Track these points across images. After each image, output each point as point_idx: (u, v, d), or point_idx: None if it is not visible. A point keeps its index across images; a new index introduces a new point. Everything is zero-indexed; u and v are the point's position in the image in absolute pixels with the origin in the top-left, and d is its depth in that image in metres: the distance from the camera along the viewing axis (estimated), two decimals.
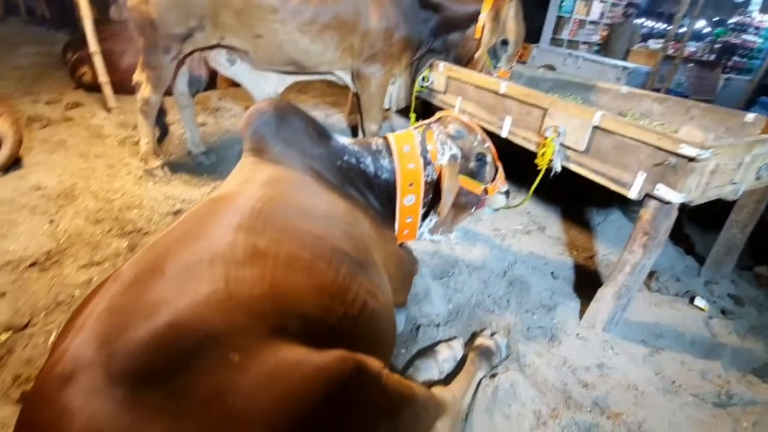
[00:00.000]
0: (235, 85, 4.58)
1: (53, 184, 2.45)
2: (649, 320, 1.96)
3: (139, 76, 2.51)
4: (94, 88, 3.94)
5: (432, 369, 1.59)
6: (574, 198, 3.00)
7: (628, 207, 2.98)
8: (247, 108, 4.06)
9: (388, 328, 1.29)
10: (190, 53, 2.49)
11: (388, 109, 3.08)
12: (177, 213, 2.36)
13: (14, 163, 2.56)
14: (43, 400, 0.76)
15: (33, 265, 1.85)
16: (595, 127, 1.75)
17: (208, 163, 3.01)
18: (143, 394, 0.74)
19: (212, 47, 2.50)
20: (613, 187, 1.74)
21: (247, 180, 1.36)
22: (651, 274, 2.24)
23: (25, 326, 1.56)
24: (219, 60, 2.59)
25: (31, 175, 2.52)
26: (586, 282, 2.16)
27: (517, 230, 2.63)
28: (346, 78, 2.75)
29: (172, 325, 0.82)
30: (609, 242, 2.63)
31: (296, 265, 1.07)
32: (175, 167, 2.84)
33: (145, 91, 2.50)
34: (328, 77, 2.79)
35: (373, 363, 0.97)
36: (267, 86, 2.71)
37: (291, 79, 2.78)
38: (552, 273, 2.25)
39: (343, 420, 0.86)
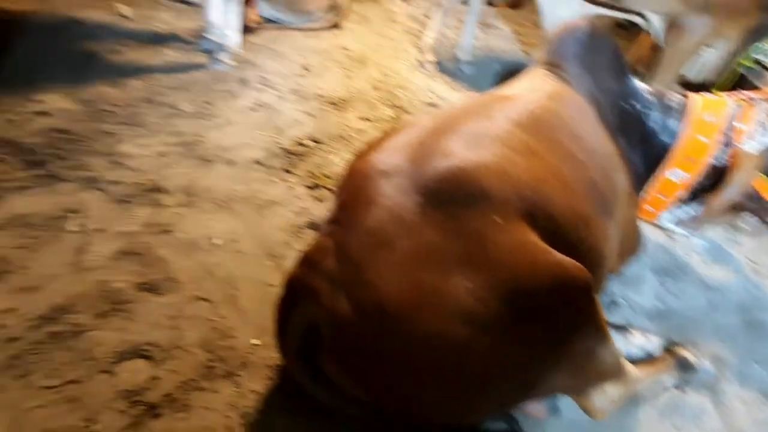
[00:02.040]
0: (512, 6, 4.51)
1: (354, 49, 2.99)
2: None
3: None
4: None
5: (618, 343, 1.54)
6: None
7: None
8: (516, 31, 4.02)
9: (601, 277, 1.28)
10: None
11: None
12: (431, 105, 2.64)
13: (336, 25, 3.20)
14: (365, 177, 1.05)
15: (331, 103, 2.40)
16: None
17: (468, 72, 3.16)
18: (432, 207, 0.97)
19: None
20: None
21: (534, 89, 1.42)
22: None
23: (318, 142, 2.10)
24: None
25: (342, 36, 3.12)
26: None
27: None
28: (657, 24, 2.38)
29: (463, 170, 1.00)
30: None
31: (556, 174, 1.13)
32: (441, 66, 3.10)
33: None
34: (635, 18, 2.47)
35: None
36: (563, 11, 2.58)
37: (593, 10, 2.57)
38: None
39: (557, 316, 0.96)
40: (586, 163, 1.24)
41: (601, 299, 1.68)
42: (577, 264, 0.96)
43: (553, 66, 1.48)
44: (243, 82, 2.36)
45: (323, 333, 0.93)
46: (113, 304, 1.26)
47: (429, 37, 2.95)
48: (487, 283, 0.91)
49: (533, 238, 0.98)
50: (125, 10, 2.65)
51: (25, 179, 1.58)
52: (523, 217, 1.00)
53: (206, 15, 2.51)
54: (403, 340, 0.90)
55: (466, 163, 1.01)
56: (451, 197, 0.97)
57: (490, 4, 3.22)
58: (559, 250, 0.98)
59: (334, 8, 3.08)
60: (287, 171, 1.88)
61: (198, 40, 2.55)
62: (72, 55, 2.24)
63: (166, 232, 1.51)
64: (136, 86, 2.16)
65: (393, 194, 0.99)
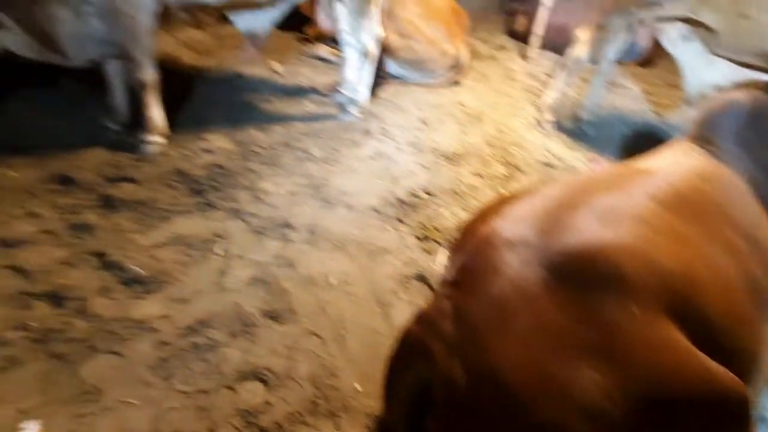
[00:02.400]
0: (643, 64, 4.26)
1: (471, 105, 3.09)
2: None
3: (582, 33, 2.67)
4: (520, 37, 4.50)
5: None
6: None
7: None
8: (646, 90, 3.77)
9: (756, 391, 1.08)
10: (645, 21, 2.42)
11: None
12: (549, 166, 2.57)
13: (456, 82, 3.35)
14: (488, 244, 1.05)
15: (446, 157, 2.49)
16: None
17: (589, 132, 3.04)
18: (559, 285, 0.92)
19: (673, 19, 2.34)
20: None
21: (679, 164, 1.31)
22: None
23: (431, 195, 2.18)
24: (671, 34, 2.42)
25: (461, 93, 3.25)
26: None
27: None
28: None
29: (597, 248, 0.95)
30: None
31: (709, 264, 1.01)
32: (559, 126, 3.03)
33: (580, 49, 2.67)
34: None
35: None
36: (708, 75, 2.38)
37: (742, 75, 2.32)
38: None
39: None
40: (745, 254, 1.09)
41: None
42: (732, 375, 0.83)
43: (702, 140, 1.36)
44: (366, 132, 2.58)
45: (435, 396, 0.93)
46: (243, 326, 1.41)
47: (549, 96, 2.93)
48: (619, 381, 0.83)
49: (678, 336, 0.88)
50: (277, 66, 3.12)
51: (188, 205, 1.90)
52: (668, 311, 0.90)
53: (343, 72, 2.84)
54: (517, 422, 0.85)
55: (601, 242, 0.96)
56: (582, 278, 0.92)
57: (618, 62, 3.10)
58: (709, 356, 0.86)
59: (455, 67, 3.24)
60: (400, 220, 1.97)
61: (332, 94, 2.88)
62: (234, 102, 2.68)
63: (291, 265, 1.67)
64: (278, 131, 2.49)
65: (517, 266, 0.97)
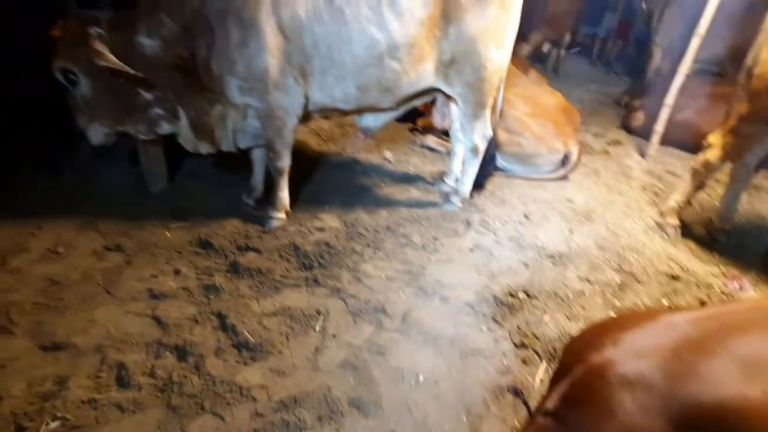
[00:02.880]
0: None
1: (580, 202, 2.97)
2: None
3: (715, 138, 2.47)
4: (637, 132, 4.31)
5: None
6: None
7: None
8: None
9: None
10: None
11: None
12: (674, 278, 2.28)
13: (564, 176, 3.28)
14: (601, 379, 0.95)
15: (549, 256, 2.38)
16: None
17: (724, 242, 2.67)
18: None
19: None
20: None
21: None
22: None
23: (531, 296, 2.07)
24: None
25: (569, 188, 3.16)
26: None
27: None
28: None
29: (736, 408, 0.81)
30: None
31: None
32: (686, 232, 2.73)
33: (712, 154, 2.45)
34: None
35: None
36: None
37: None
38: None
39: None
40: None
41: None
42: None
43: None
44: (467, 223, 2.62)
45: None
46: (330, 412, 1.44)
47: (674, 197, 2.69)
48: None
49: None
50: (388, 154, 3.43)
51: (297, 278, 2.08)
52: None
53: (450, 164, 3.00)
54: None
55: (742, 400, 0.82)
56: None
57: (760, 166, 2.74)
58: None
59: (564, 163, 3.20)
60: (496, 321, 1.90)
61: (437, 182, 3.03)
62: (348, 185, 2.97)
63: (382, 353, 1.69)
64: (383, 215, 2.66)
65: (635, 411, 0.86)
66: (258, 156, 2.55)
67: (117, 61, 1.84)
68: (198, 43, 1.96)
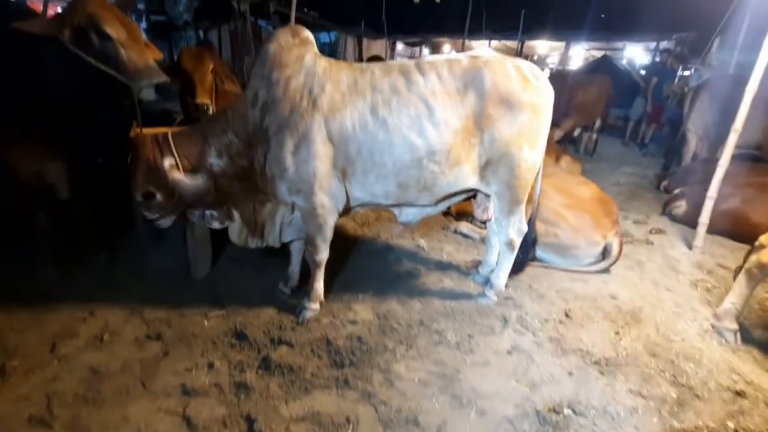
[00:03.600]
0: None
1: (625, 299, 2.82)
2: None
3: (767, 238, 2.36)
4: (680, 220, 4.17)
5: None
6: None
7: None
8: None
9: None
10: None
11: None
12: (738, 394, 2.05)
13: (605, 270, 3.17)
14: None
15: (595, 363, 2.22)
16: None
17: None
18: None
19: None
20: None
21: None
22: None
23: (577, 413, 1.90)
24: None
25: (611, 282, 3.03)
26: None
27: None
28: None
29: None
30: None
31: None
32: (749, 337, 2.50)
33: (766, 256, 2.32)
34: None
35: None
36: None
37: None
38: None
39: None
40: None
41: None
42: None
43: None
44: (503, 320, 2.53)
45: None
46: None
47: (730, 299, 2.50)
48: None
49: None
50: (422, 242, 3.46)
51: (328, 378, 2.04)
52: None
53: (486, 255, 2.98)
54: None
55: None
56: None
57: None
58: None
59: (603, 255, 3.11)
60: None
61: (472, 273, 3.00)
62: (381, 274, 2.99)
63: None
64: (416, 308, 2.63)
65: None
66: (296, 247, 2.65)
67: (189, 183, 2.13)
68: (257, 152, 2.17)
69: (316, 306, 2.50)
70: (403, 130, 2.11)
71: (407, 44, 15.94)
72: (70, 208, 2.72)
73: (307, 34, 2.19)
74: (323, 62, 2.15)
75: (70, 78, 2.18)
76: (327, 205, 2.24)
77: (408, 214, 2.57)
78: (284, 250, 2.72)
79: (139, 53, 2.25)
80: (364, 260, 3.18)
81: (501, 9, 10.20)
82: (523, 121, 2.24)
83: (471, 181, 2.33)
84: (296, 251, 2.67)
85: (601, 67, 10.54)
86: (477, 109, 2.17)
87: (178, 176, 2.13)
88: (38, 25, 2.07)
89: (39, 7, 2.68)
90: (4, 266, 2.74)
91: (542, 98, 2.29)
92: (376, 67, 2.20)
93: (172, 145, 2.14)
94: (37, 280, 2.61)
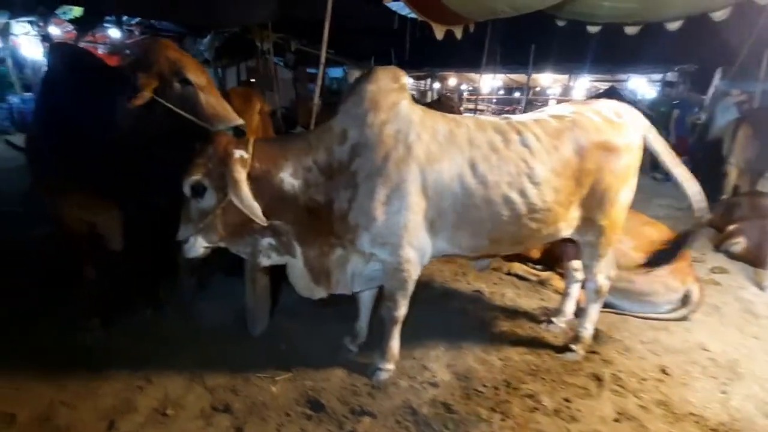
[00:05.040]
0: None
1: (717, 350, 2.61)
2: None
3: None
4: (740, 258, 4.00)
5: None
6: None
7: None
8: None
9: None
10: None
11: None
12: None
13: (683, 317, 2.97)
14: None
15: (712, 430, 1.99)
16: None
17: None
18: None
19: None
20: None
21: None
22: None
23: None
24: None
25: (695, 331, 2.81)
26: None
27: None
28: None
29: None
30: None
31: None
32: None
33: None
34: None
35: None
36: None
37: None
38: None
39: None
40: None
41: None
42: None
43: None
44: (596, 379, 2.31)
45: None
46: None
47: None
48: None
49: None
50: (483, 288, 3.27)
51: None
52: None
53: (563, 305, 2.78)
54: None
55: None
56: None
57: None
58: None
59: (683, 301, 2.91)
60: None
61: (546, 323, 2.79)
62: (447, 323, 2.78)
63: None
64: (496, 365, 2.41)
65: None
66: (366, 300, 2.45)
67: (247, 192, 1.83)
68: (339, 194, 1.98)
69: (391, 366, 2.28)
70: (503, 187, 1.99)
71: (415, 78, 16.24)
72: (119, 259, 2.55)
73: (406, 79, 2.07)
74: (418, 110, 2.03)
75: (142, 124, 2.04)
76: (413, 260, 2.06)
77: (485, 260, 2.39)
78: (337, 299, 2.48)
79: (216, 97, 2.17)
80: (424, 309, 2.95)
81: (509, 45, 10.40)
82: (620, 165, 2.14)
83: (566, 232, 2.19)
84: (365, 304, 2.47)
85: (608, 98, 10.68)
86: (575, 166, 2.09)
87: (242, 174, 1.83)
88: (144, 95, 1.94)
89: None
90: (48, 325, 2.54)
91: (632, 134, 2.22)
92: (469, 120, 2.11)
93: (251, 143, 1.94)
94: (83, 332, 2.41)
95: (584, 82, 16.00)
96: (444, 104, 7.10)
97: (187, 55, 2.17)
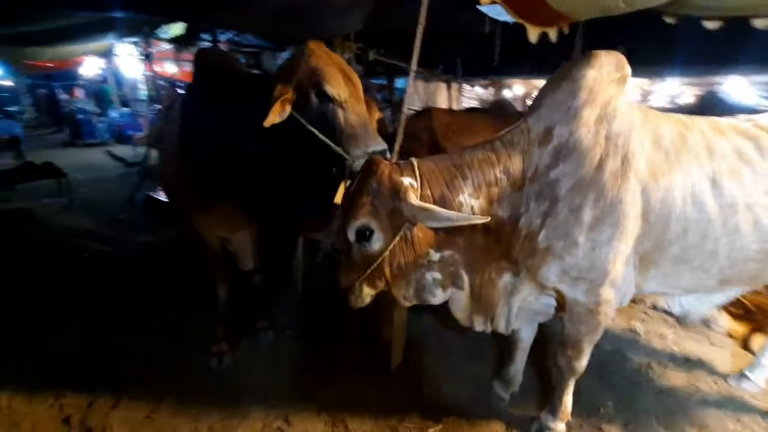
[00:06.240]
0: None
1: None
2: None
3: None
4: None
5: None
6: None
7: None
8: None
9: None
10: None
11: None
12: None
13: None
14: None
15: None
16: None
17: None
18: None
19: None
20: None
21: None
22: None
23: None
24: None
25: None
26: None
27: None
28: None
29: None
30: None
31: None
32: None
33: None
34: None
35: None
36: None
37: None
38: None
39: None
40: None
41: None
42: None
43: None
44: None
45: None
46: None
47: None
48: None
49: None
50: (638, 326, 2.78)
51: None
52: None
53: (760, 354, 2.25)
54: None
55: None
56: None
57: None
58: None
59: None
60: None
61: (733, 378, 2.26)
62: (606, 371, 2.34)
63: None
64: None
65: None
66: (525, 340, 2.08)
67: (442, 210, 1.48)
68: (529, 207, 1.60)
69: (562, 427, 1.89)
70: (757, 211, 1.53)
71: (480, 86, 15.53)
72: (246, 278, 2.39)
73: (629, 68, 1.64)
74: (636, 107, 1.62)
75: (280, 141, 1.79)
76: (612, 302, 1.65)
77: (688, 302, 1.91)
78: (465, 331, 2.03)
79: (358, 114, 1.78)
80: None
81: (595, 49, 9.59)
82: None
83: None
84: (523, 345, 2.09)
85: (710, 104, 9.50)
86: None
87: (419, 202, 1.51)
88: (276, 111, 1.67)
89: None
90: (173, 348, 2.42)
91: None
92: (700, 121, 1.67)
93: (416, 167, 1.60)
94: (213, 357, 2.27)
95: (670, 87, 14.61)
96: (501, 110, 6.33)
97: (333, 62, 1.82)
